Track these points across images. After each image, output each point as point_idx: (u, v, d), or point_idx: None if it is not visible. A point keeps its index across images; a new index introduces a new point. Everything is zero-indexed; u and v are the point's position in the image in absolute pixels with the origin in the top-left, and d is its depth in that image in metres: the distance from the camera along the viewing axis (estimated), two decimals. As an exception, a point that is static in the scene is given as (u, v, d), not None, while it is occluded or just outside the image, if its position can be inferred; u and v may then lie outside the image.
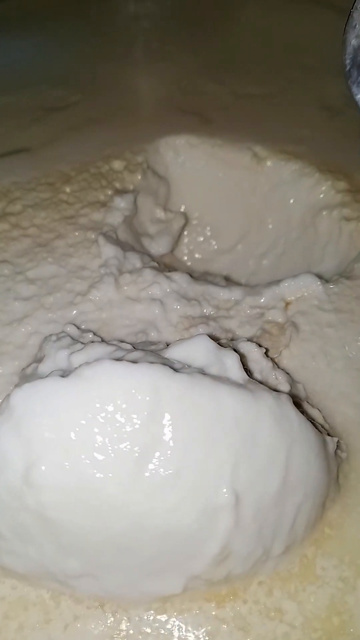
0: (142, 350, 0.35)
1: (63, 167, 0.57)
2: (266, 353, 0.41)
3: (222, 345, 0.35)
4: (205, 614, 0.33)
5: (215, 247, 0.63)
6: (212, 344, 0.34)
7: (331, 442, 0.36)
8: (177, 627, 0.33)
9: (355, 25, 0.40)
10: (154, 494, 0.29)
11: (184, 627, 0.33)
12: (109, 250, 0.49)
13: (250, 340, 0.42)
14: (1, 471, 0.30)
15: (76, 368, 0.31)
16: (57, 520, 0.30)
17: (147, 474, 0.29)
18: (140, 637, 0.33)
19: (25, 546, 0.31)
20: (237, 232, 0.63)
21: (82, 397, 0.30)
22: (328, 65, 0.64)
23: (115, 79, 0.68)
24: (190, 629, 0.33)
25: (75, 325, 0.43)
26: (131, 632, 0.33)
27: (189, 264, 0.63)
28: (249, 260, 0.62)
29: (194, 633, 0.33)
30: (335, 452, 0.36)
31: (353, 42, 0.40)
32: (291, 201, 0.59)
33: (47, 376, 0.34)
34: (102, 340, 0.41)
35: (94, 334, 0.43)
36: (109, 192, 0.55)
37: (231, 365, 0.34)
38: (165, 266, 0.54)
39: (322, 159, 0.57)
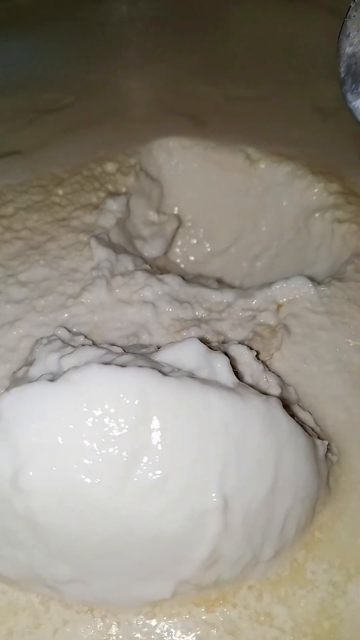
0: (132, 353, 0.35)
1: (56, 169, 0.57)
2: (257, 356, 0.40)
3: (212, 348, 0.35)
4: (194, 618, 0.33)
5: (209, 249, 0.63)
6: (202, 347, 0.34)
7: (321, 446, 0.36)
8: (166, 632, 0.33)
9: (349, 33, 0.40)
10: (142, 498, 0.29)
11: (173, 631, 0.33)
12: (101, 253, 0.48)
13: (241, 343, 0.42)
14: (-11, 476, 0.30)
15: (65, 372, 0.31)
16: (46, 525, 0.30)
17: (135, 479, 0.29)
18: (129, 642, 0.33)
19: (14, 551, 0.31)
20: (231, 234, 0.62)
21: (70, 402, 0.30)
22: (321, 67, 0.65)
23: (109, 81, 0.68)
24: (179, 633, 0.33)
25: (66, 328, 0.43)
26: (120, 637, 0.33)
27: (182, 266, 0.63)
28: (243, 262, 0.62)
29: (183, 638, 0.33)
30: (326, 456, 0.36)
31: (347, 50, 0.40)
32: (284, 203, 0.59)
33: (36, 380, 0.34)
34: (93, 344, 0.41)
35: (85, 337, 0.43)
36: (102, 195, 0.55)
37: (221, 368, 0.34)
38: (158, 269, 0.54)
39: (314, 161, 0.57)
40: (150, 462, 0.29)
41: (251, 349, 0.41)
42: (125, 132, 0.61)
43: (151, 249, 0.56)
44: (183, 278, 0.49)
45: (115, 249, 0.50)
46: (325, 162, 0.57)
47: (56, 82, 0.68)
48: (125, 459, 0.29)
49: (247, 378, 0.39)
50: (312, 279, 0.47)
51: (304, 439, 0.33)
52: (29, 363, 0.39)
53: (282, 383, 0.40)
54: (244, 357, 0.40)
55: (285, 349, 0.43)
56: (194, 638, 0.33)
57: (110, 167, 0.57)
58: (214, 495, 0.30)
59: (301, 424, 0.36)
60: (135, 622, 0.33)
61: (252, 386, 0.37)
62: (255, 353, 0.40)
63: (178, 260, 0.63)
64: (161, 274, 0.49)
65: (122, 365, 0.31)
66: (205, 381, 0.32)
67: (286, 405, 0.37)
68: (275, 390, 0.39)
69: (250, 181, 0.60)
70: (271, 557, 0.33)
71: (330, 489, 0.36)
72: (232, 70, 0.69)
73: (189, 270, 0.62)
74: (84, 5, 0.79)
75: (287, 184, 0.58)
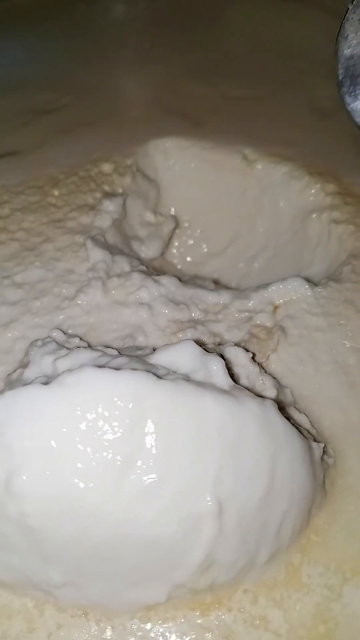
0: (127, 356, 0.35)
1: (52, 170, 0.56)
2: (253, 358, 0.40)
3: (208, 351, 0.35)
4: (189, 622, 0.33)
5: (206, 250, 0.63)
6: (197, 349, 0.34)
7: (317, 448, 0.35)
8: (161, 636, 0.32)
9: (347, 35, 0.40)
10: (136, 502, 0.29)
11: (168, 635, 0.32)
12: (97, 254, 0.48)
13: (237, 344, 0.42)
14: (-18, 480, 0.30)
15: (59, 375, 0.31)
16: (39, 530, 0.30)
17: (129, 483, 0.29)
18: (124, 645, 0.32)
19: (8, 555, 0.31)
20: (228, 235, 0.62)
21: (64, 405, 0.29)
22: (318, 67, 0.64)
23: (106, 82, 0.68)
24: (174, 637, 0.32)
25: (61, 330, 0.43)
26: (115, 640, 0.33)
27: (179, 267, 0.62)
28: (240, 263, 0.62)
29: (178, 642, 0.32)
30: (322, 458, 0.36)
31: (345, 52, 0.40)
32: (281, 204, 0.58)
33: (31, 383, 0.34)
34: (88, 346, 0.41)
35: (81, 339, 0.42)
36: (98, 196, 0.54)
37: (216, 371, 0.34)
38: (155, 270, 0.54)
39: (311, 162, 0.57)
40: (144, 466, 0.29)
41: (247, 350, 0.40)
42: (121, 133, 0.60)
43: (148, 250, 0.56)
44: (179, 279, 0.49)
45: (112, 250, 0.50)
46: (323, 163, 0.57)
47: (53, 83, 0.68)
48: (119, 462, 0.29)
49: (243, 380, 0.39)
50: (308, 280, 0.47)
51: (299, 442, 0.33)
52: (24, 365, 0.39)
53: (278, 385, 0.40)
54: (239, 359, 0.39)
55: (281, 350, 0.43)
56: (189, 642, 0.32)
57: (106, 167, 0.57)
58: (208, 499, 0.30)
59: (297, 426, 0.36)
60: (129, 626, 0.33)
61: (248, 388, 0.36)
62: (251, 355, 0.40)
63: (175, 261, 0.63)
64: (158, 275, 0.49)
65: (117, 368, 0.31)
66: (200, 384, 0.32)
67: (282, 408, 0.37)
68: (271, 392, 0.39)
69: (248, 182, 0.60)
70: (266, 561, 0.33)
71: (326, 491, 0.36)
72: (230, 70, 0.69)
73: (186, 271, 0.62)
74: (81, 5, 0.78)
75: (284, 185, 0.58)
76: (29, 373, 0.37)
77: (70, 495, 0.29)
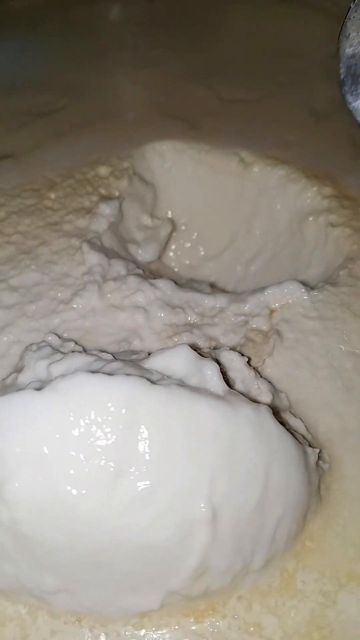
0: (122, 360, 0.35)
1: (48, 173, 0.56)
2: (249, 362, 0.40)
3: (203, 355, 0.35)
4: (183, 629, 0.32)
5: (203, 253, 0.63)
6: (192, 354, 0.34)
7: (312, 454, 0.35)
8: (155, 643, 0.32)
9: (349, 34, 0.40)
10: (130, 509, 0.29)
11: (162, 642, 0.32)
12: (93, 258, 0.48)
13: (233, 348, 0.42)
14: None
15: (52, 380, 0.31)
16: (32, 537, 0.29)
17: (122, 489, 0.29)
18: (118, 652, 0.32)
19: (1, 562, 0.31)
20: (225, 238, 0.62)
21: (57, 411, 0.29)
22: (315, 69, 0.64)
23: (102, 84, 0.68)
24: (168, 644, 0.32)
25: (57, 334, 0.43)
26: (109, 647, 0.32)
27: (176, 270, 0.62)
28: (237, 266, 0.62)
29: (172, 648, 0.32)
30: (317, 464, 0.36)
31: (347, 51, 0.40)
32: (278, 207, 0.58)
33: (24, 387, 0.34)
34: (83, 350, 0.41)
35: (76, 343, 0.42)
36: (95, 199, 0.54)
37: (211, 376, 0.33)
38: (152, 273, 0.54)
39: (308, 164, 0.57)
40: (137, 472, 0.29)
41: (243, 355, 0.40)
42: (118, 136, 0.60)
43: (145, 254, 0.56)
44: (175, 283, 0.48)
45: (108, 253, 0.50)
46: (319, 166, 0.57)
47: (49, 85, 0.67)
48: (112, 469, 0.29)
49: (239, 385, 0.39)
50: (305, 283, 0.47)
51: (294, 448, 0.33)
52: (19, 370, 0.39)
53: (274, 390, 0.40)
54: (235, 363, 0.39)
55: (277, 354, 0.43)
56: (183, 649, 0.32)
57: (103, 170, 0.57)
58: (202, 505, 0.30)
59: (292, 431, 0.36)
60: (123, 632, 0.33)
61: (243, 393, 0.36)
62: (247, 359, 0.40)
63: (172, 264, 0.63)
64: (154, 278, 0.49)
65: (111, 373, 0.31)
66: (194, 389, 0.32)
67: (277, 412, 0.37)
68: (266, 397, 0.39)
69: (244, 185, 0.59)
70: (261, 567, 0.33)
71: (321, 497, 0.36)
72: (227, 73, 0.68)
73: (182, 274, 0.61)
74: (78, 8, 0.78)
75: (281, 188, 0.58)
76: (23, 378, 0.37)
77: (63, 502, 0.29)
